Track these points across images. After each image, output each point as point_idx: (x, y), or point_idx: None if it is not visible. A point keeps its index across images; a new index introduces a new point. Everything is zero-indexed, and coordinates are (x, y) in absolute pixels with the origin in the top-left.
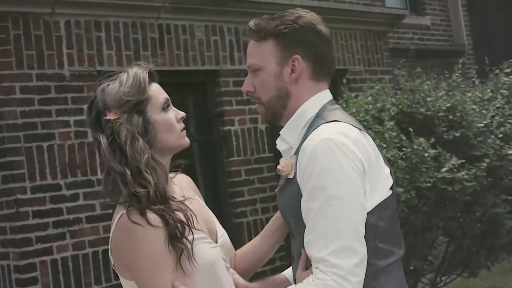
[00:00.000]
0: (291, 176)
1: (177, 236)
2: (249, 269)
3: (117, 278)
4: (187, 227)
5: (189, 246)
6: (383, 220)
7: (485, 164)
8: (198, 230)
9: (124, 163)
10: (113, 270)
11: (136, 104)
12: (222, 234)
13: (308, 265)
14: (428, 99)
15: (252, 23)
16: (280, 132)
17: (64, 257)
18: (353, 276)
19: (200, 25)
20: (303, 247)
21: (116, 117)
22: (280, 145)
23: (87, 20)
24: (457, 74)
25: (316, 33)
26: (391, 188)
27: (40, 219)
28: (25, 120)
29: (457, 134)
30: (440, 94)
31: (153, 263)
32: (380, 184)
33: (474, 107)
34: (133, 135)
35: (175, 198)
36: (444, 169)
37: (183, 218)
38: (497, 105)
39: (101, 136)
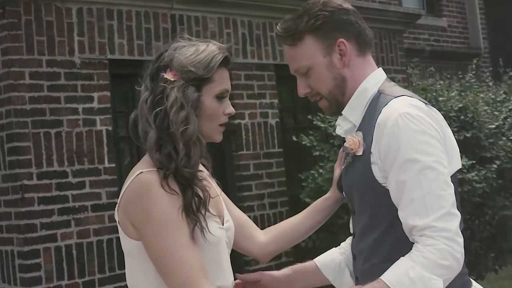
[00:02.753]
0: (359, 153)
1: (191, 208)
2: (288, 243)
3: (121, 267)
4: (202, 204)
5: (202, 220)
6: None
7: (495, 166)
8: (210, 212)
9: (166, 126)
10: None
11: (195, 79)
12: (228, 219)
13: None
14: (440, 98)
15: (279, 29)
16: (342, 112)
17: (68, 244)
18: (458, 237)
19: (213, 17)
20: (367, 225)
21: (172, 80)
22: (343, 125)
23: (99, 8)
24: (471, 75)
25: (346, 12)
26: None
27: (45, 206)
28: (34, 106)
29: (468, 135)
30: (453, 94)
31: (163, 224)
32: (455, 154)
33: (486, 108)
34: (181, 104)
35: (199, 177)
36: None
37: (201, 195)
38: (510, 107)
39: (154, 89)
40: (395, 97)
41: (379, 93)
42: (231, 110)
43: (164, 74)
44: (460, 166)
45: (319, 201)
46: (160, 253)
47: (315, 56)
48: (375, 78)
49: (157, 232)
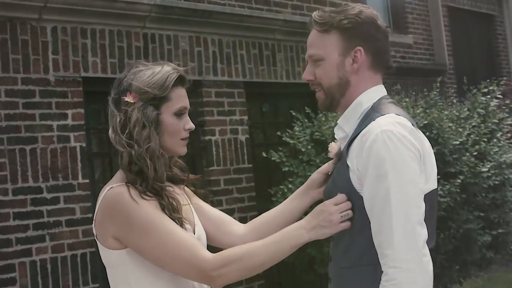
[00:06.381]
0: (337, 161)
1: (169, 210)
2: (267, 234)
3: (94, 281)
4: (176, 208)
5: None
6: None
7: (459, 181)
8: (183, 217)
9: (133, 146)
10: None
11: (153, 98)
12: (199, 229)
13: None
14: None
15: (316, 15)
16: (338, 122)
17: (43, 259)
18: (423, 256)
19: (184, 35)
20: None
21: (133, 102)
22: (338, 133)
23: (74, 27)
24: (435, 92)
25: (377, 27)
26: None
27: (21, 221)
28: (9, 123)
29: (433, 151)
30: (418, 111)
31: (146, 223)
32: (433, 174)
33: (450, 125)
34: (143, 123)
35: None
36: None
37: (172, 201)
38: (473, 124)
39: (117, 113)
40: (383, 115)
41: (371, 108)
42: (190, 125)
43: (125, 98)
44: (436, 187)
45: (297, 191)
46: (155, 249)
47: (332, 52)
48: (372, 93)
49: (143, 232)
